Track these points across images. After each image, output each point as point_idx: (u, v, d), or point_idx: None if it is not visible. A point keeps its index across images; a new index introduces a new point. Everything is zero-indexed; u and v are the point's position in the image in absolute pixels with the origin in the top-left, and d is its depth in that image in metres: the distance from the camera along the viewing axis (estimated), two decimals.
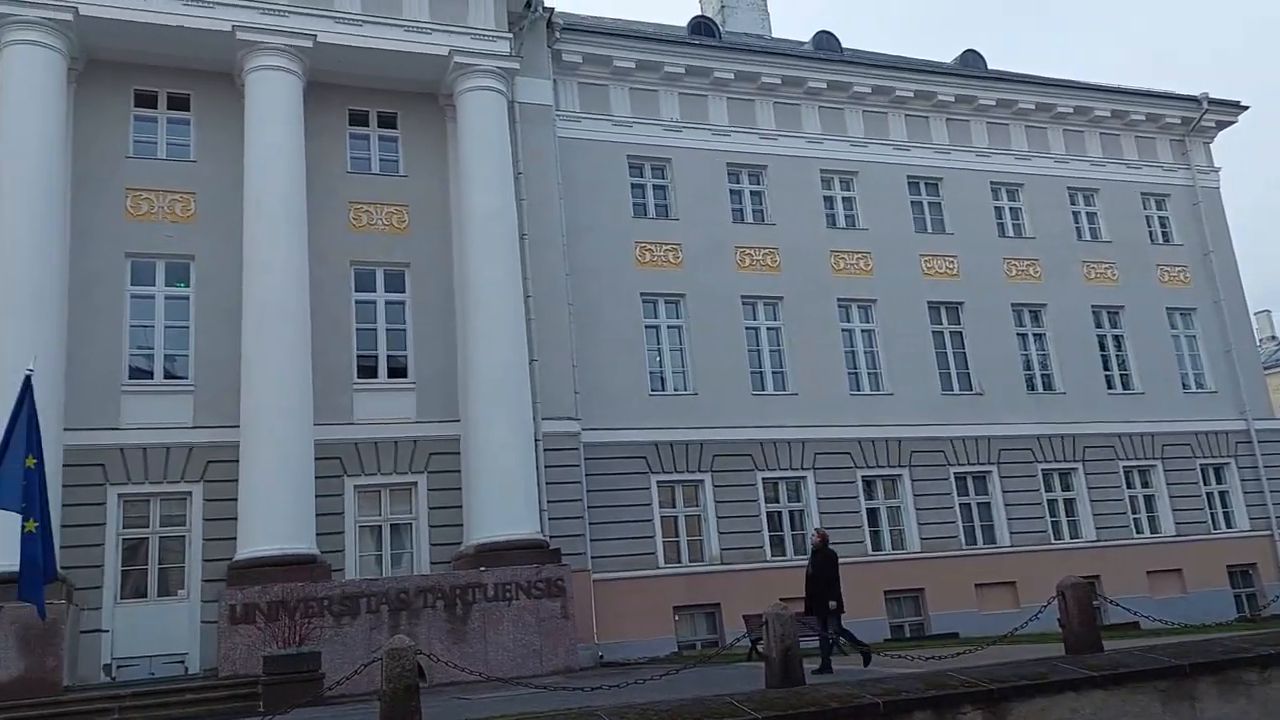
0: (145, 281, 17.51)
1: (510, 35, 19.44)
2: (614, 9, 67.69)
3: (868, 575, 20.61)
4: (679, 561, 20.06)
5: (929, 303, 23.49)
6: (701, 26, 24.21)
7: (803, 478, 21.35)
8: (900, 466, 22.14)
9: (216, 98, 18.31)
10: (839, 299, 22.67)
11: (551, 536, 17.85)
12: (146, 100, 18.20)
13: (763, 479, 21.03)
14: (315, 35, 17.82)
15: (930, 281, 23.67)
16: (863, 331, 22.89)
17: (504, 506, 17.13)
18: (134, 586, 16.24)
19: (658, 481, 20.23)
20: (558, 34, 20.89)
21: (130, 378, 16.96)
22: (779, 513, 21.16)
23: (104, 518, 16.06)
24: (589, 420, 19.58)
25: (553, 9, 20.55)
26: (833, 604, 13.21)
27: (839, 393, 22.09)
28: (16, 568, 11.16)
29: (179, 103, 18.38)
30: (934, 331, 23.44)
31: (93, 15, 16.60)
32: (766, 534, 20.78)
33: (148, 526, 16.53)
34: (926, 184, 24.56)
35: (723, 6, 27.27)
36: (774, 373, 21.90)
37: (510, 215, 18.80)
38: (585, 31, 21.57)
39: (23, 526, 10.82)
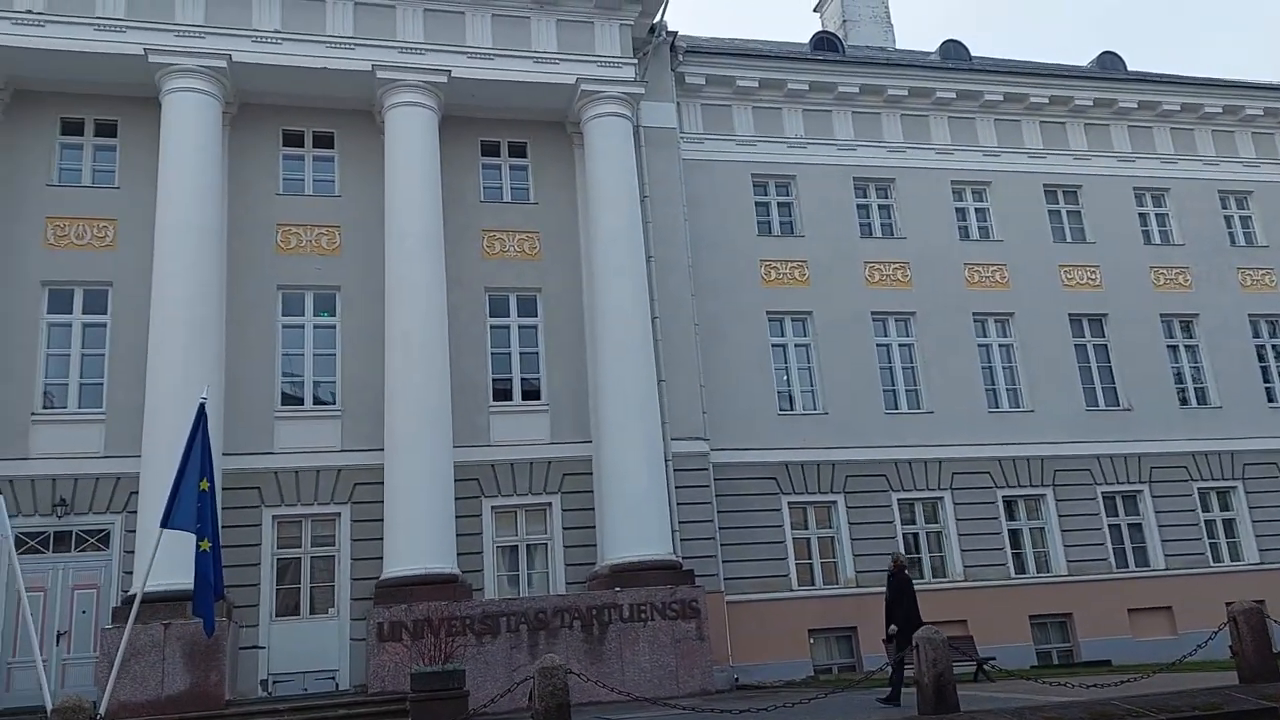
0: (295, 312, 18.35)
1: (635, 61, 19.72)
2: (734, 29, 67.96)
3: (1011, 599, 19.87)
4: (813, 584, 19.74)
5: (1070, 315, 22.59)
6: (824, 42, 24.03)
7: (940, 498, 20.76)
8: (1043, 486, 21.29)
9: (357, 135, 19.12)
10: (974, 313, 22.03)
11: (684, 558, 17.84)
12: (293, 139, 19.14)
13: (898, 500, 20.55)
14: (450, 71, 18.44)
15: (1071, 293, 22.76)
16: (1000, 346, 22.17)
17: (637, 527, 17.23)
18: (288, 604, 16.95)
19: (789, 503, 20.00)
20: (681, 57, 21.07)
21: (282, 404, 17.77)
22: (915, 534, 20.63)
23: (259, 538, 16.84)
24: (718, 440, 19.52)
25: (676, 33, 20.75)
26: (892, 628, 12.74)
27: (976, 410, 21.42)
28: (187, 586, 11.82)
29: (323, 140, 19.27)
30: (1076, 345, 22.52)
31: (245, 61, 17.59)
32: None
33: (300, 547, 17.26)
34: (1064, 192, 23.69)
35: (844, 21, 27.01)
36: (907, 390, 21.42)
37: (637, 237, 19.01)
38: (708, 53, 21.70)
39: (197, 546, 11.48)
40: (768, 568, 19.28)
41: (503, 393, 18.93)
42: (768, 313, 20.96)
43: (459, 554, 16.89)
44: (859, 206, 22.28)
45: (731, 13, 69.16)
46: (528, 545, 18.32)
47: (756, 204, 21.69)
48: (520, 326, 19.40)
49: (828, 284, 21.32)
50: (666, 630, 16.38)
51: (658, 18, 20.10)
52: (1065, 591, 20.62)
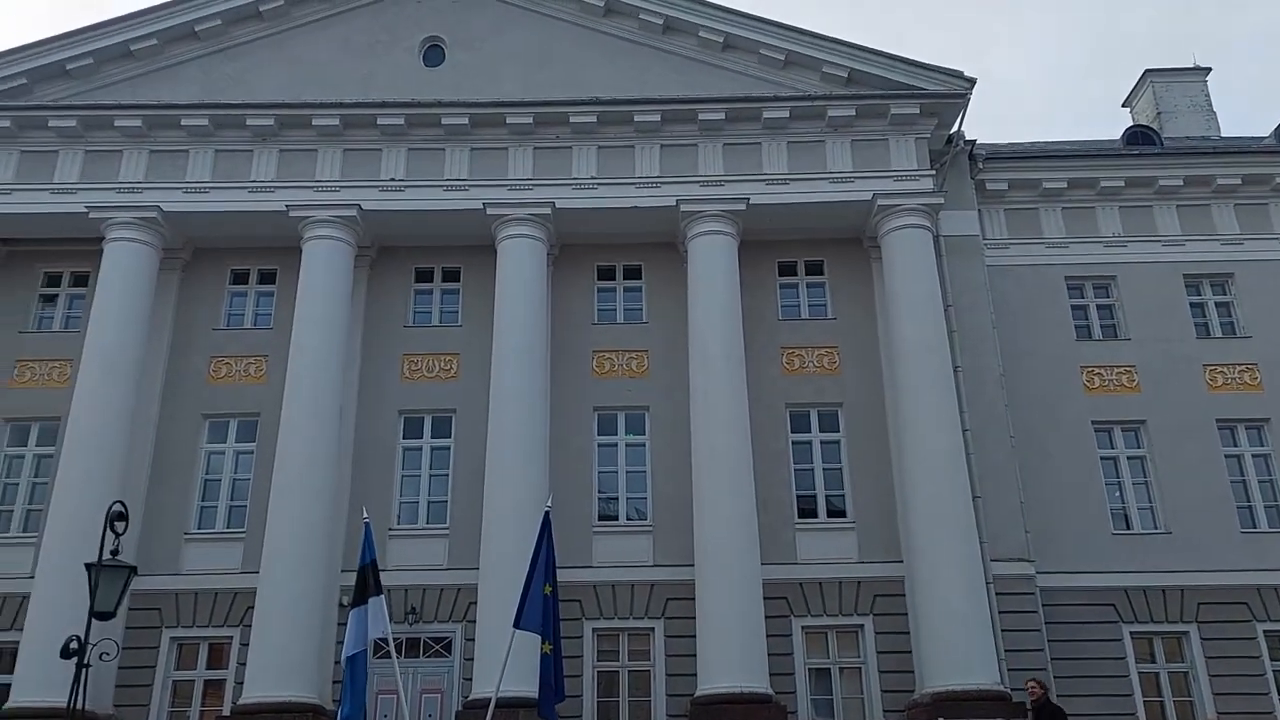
0: (609, 431, 19.40)
1: (933, 172, 19.63)
2: (1033, 133, 65.78)
3: None
4: None
5: None
6: (1138, 135, 22.70)
7: None
8: None
9: (662, 264, 20.28)
10: None
11: (1013, 689, 16.52)
12: (606, 273, 20.54)
13: (1264, 631, 17.98)
14: (748, 198, 19.26)
15: None
16: None
17: (958, 654, 16.26)
18: (607, 718, 17.38)
19: (1131, 633, 18.09)
20: (980, 165, 20.71)
21: (599, 519, 18.67)
22: None
23: (581, 650, 17.54)
24: (1044, 562, 18.17)
25: (974, 141, 20.48)
26: None
27: None
28: (525, 692, 12.55)
29: (632, 272, 20.57)
30: None
31: (566, 207, 19.30)
32: (1277, 697, 17.58)
33: (617, 660, 17.78)
34: None
35: (1159, 113, 25.41)
36: (1267, 506, 18.98)
37: (942, 348, 18.53)
38: (1009, 158, 21.18)
39: (541, 647, 12.25)
40: (1111, 704, 17.37)
41: (807, 510, 18.80)
42: (1093, 423, 19.50)
43: (771, 674, 16.67)
44: (1192, 305, 20.46)
45: (1028, 116, 67.18)
46: (840, 669, 17.76)
47: (1073, 307, 20.51)
48: (823, 442, 19.32)
49: (1162, 390, 19.58)
50: None
51: (954, 128, 19.99)
52: None
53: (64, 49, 19.69)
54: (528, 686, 12.76)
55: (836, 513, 18.81)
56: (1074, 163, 21.14)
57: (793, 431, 19.33)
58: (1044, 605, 17.81)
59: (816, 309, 20.39)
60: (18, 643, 16.77)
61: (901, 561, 17.99)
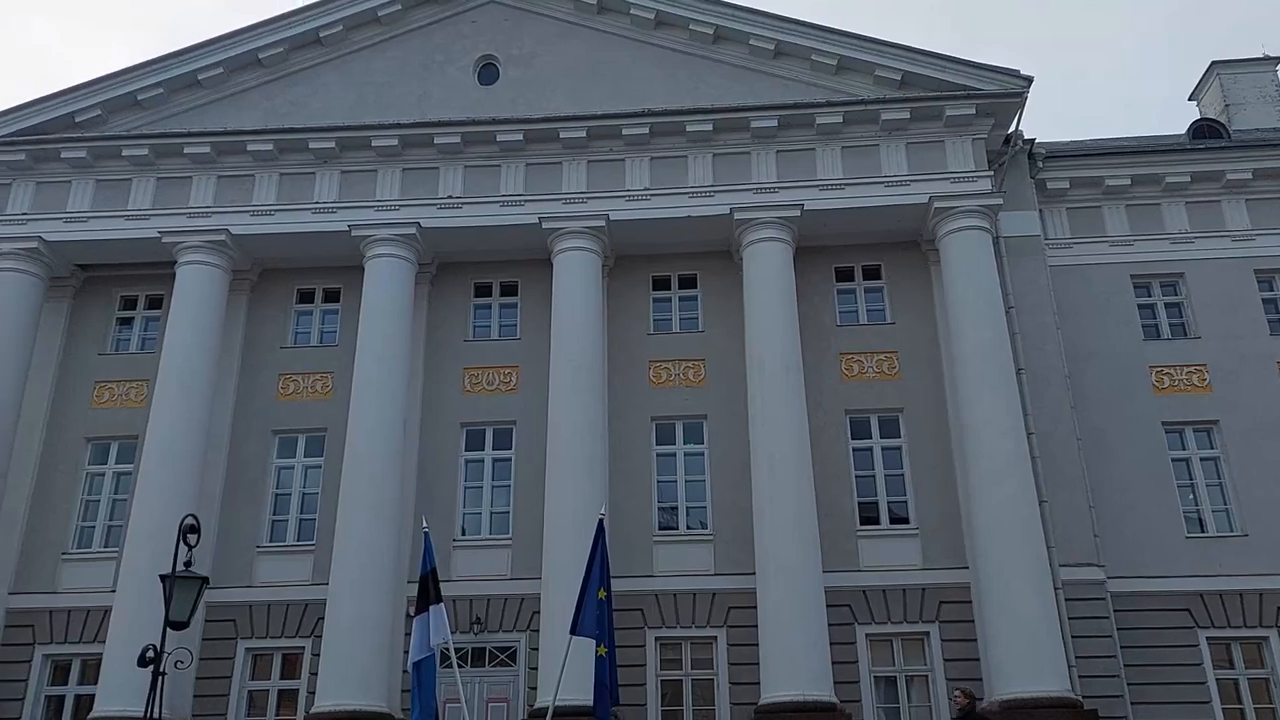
0: (667, 441, 19.47)
1: (991, 173, 19.40)
2: (1092, 130, 64.48)
3: None
4: None
5: None
6: (1205, 129, 22.17)
7: None
8: None
9: (717, 273, 20.30)
10: None
11: (1084, 696, 16.20)
12: (661, 283, 20.62)
13: None
14: (802, 204, 19.23)
15: None
16: None
17: (1027, 660, 15.99)
18: None
19: (1208, 638, 17.61)
20: (1040, 164, 20.39)
21: (660, 529, 18.75)
22: None
23: (644, 659, 17.62)
24: (1114, 567, 17.80)
25: (1033, 140, 20.18)
26: None
27: None
28: (585, 701, 12.77)
29: (687, 281, 20.64)
30: None
31: (620, 219, 19.46)
32: None
33: (680, 668, 17.82)
34: None
35: (1227, 106, 24.74)
36: None
37: (1004, 351, 18.27)
38: (1070, 156, 20.82)
39: (595, 651, 12.54)
40: (1190, 712, 16.92)
41: (869, 517, 18.66)
42: (1164, 424, 19.06)
43: (835, 682, 16.57)
44: (1265, 301, 19.90)
45: (1087, 113, 65.85)
46: (906, 676, 17.58)
47: (1139, 306, 20.10)
48: (883, 448, 19.17)
49: (1235, 389, 19.07)
50: None
51: (1012, 128, 19.74)
52: None
53: (136, 80, 20.44)
54: (584, 694, 12.98)
55: (899, 519, 18.64)
56: (1138, 159, 20.70)
57: (853, 438, 19.21)
58: (1115, 611, 17.44)
59: (875, 314, 20.25)
60: (101, 655, 17.40)
61: (967, 568, 17.76)
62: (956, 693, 12.85)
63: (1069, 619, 16.89)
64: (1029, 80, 19.22)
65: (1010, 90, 19.29)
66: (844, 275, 20.51)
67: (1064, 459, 18.17)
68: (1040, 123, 70.63)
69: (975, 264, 18.72)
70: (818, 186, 19.44)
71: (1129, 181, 20.45)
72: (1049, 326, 19.18)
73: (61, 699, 18.41)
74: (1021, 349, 18.71)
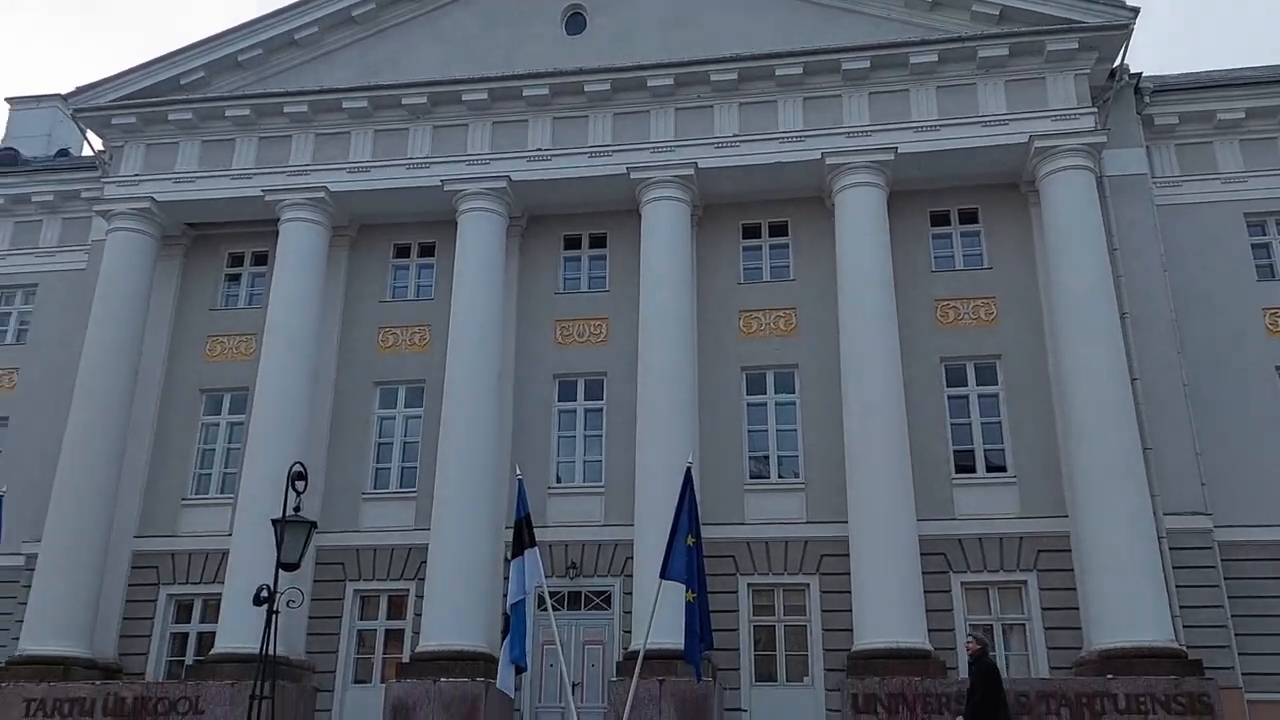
0: (757, 391, 19.48)
1: (1094, 110, 18.65)
2: (1204, 62, 61.02)
3: None
4: None
5: None
6: None
7: None
8: None
9: (809, 220, 20.04)
10: None
11: (1188, 646, 15.85)
12: (751, 231, 20.50)
13: None
14: (896, 147, 18.81)
15: None
16: None
17: (1128, 609, 15.69)
18: (765, 671, 17.69)
19: None
20: (1147, 99, 19.52)
21: (750, 477, 18.85)
22: None
23: (736, 605, 17.84)
24: (1222, 516, 17.26)
25: (1140, 73, 19.31)
26: None
27: None
28: (679, 645, 13.05)
29: (778, 229, 20.46)
30: None
31: (710, 167, 19.36)
32: None
33: (773, 615, 18.02)
34: None
35: None
36: None
37: (1107, 294, 17.71)
38: (1180, 90, 19.89)
39: (685, 597, 12.80)
40: None
41: (965, 465, 18.42)
42: (1277, 368, 18.30)
43: (930, 630, 16.55)
44: None
45: (1198, 44, 62.35)
46: (1003, 625, 17.45)
47: (1253, 246, 19.25)
48: (980, 396, 18.84)
49: None
50: None
51: (1117, 62, 18.90)
52: None
53: (236, 41, 21.01)
54: (679, 638, 13.26)
55: (996, 467, 18.36)
56: (1253, 90, 19.66)
57: (948, 385, 18.92)
58: (1223, 560, 16.98)
59: (972, 259, 19.79)
60: (220, 594, 18.40)
61: (1067, 516, 17.43)
62: (969, 639, 12.77)
63: (1174, 569, 16.51)
64: (1135, 11, 18.33)
65: (1115, 22, 18.43)
66: (939, 220, 20.04)
67: (1170, 405, 17.62)
68: (1147, 55, 67.25)
69: (1078, 205, 18.11)
70: (912, 128, 18.97)
71: (1243, 115, 19.47)
72: (1155, 269, 18.50)
73: (185, 635, 19.55)
74: (1126, 293, 18.12)
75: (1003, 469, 18.29)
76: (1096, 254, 17.87)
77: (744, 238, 20.48)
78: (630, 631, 17.07)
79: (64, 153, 25.69)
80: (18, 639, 18.50)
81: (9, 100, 27.59)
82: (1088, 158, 18.33)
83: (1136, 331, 17.90)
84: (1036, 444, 18.12)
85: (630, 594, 17.42)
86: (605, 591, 18.46)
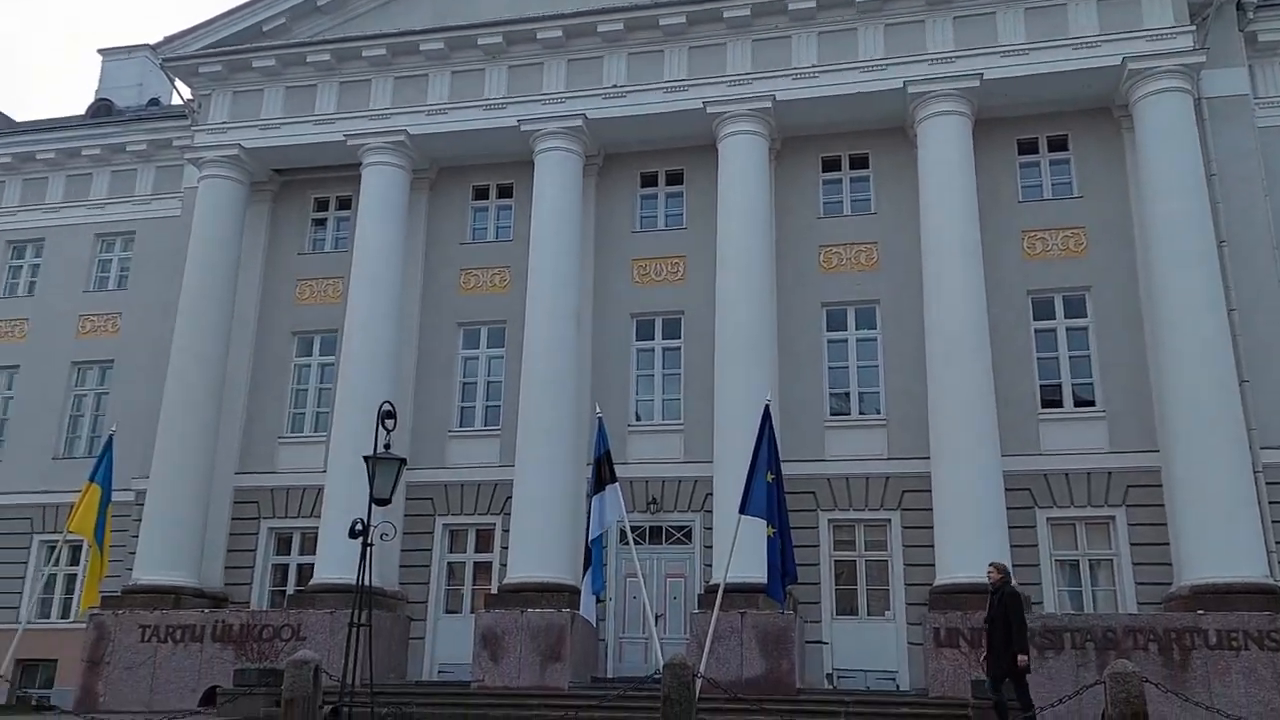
0: (838, 326, 19.32)
1: (1192, 28, 17.75)
2: None
3: None
4: None
5: None
6: None
7: None
8: None
9: (891, 152, 19.64)
10: None
11: None
12: (830, 164, 20.19)
13: None
14: (982, 74, 18.22)
15: None
16: None
17: (1220, 545, 15.37)
18: (846, 605, 17.84)
19: None
20: (1250, 14, 18.51)
21: (831, 414, 18.80)
22: None
23: (817, 540, 17.94)
24: None
25: None
26: (1023, 659, 11.17)
27: None
28: (760, 579, 13.26)
29: (858, 162, 20.09)
30: None
31: (787, 99, 19.01)
32: None
33: (854, 550, 18.11)
34: None
35: None
36: None
37: (1204, 222, 17.05)
38: None
39: (765, 532, 12.98)
40: None
41: (1052, 400, 18.09)
42: None
43: (1014, 565, 16.40)
44: None
45: None
46: (1090, 561, 17.25)
47: None
48: (1068, 329, 18.42)
49: None
50: (1267, 663, 14.38)
51: None
52: None
53: None
54: (760, 572, 13.47)
55: (1084, 402, 18.00)
56: None
57: (1035, 319, 18.52)
58: None
59: (1061, 188, 19.19)
60: (317, 528, 19.20)
61: (1158, 451, 17.03)
62: (990, 568, 12.54)
63: (1269, 503, 16.07)
64: None
65: None
66: (1027, 148, 19.43)
67: (1269, 337, 17.01)
68: None
69: (1174, 129, 17.37)
70: (998, 53, 18.34)
71: None
72: (1256, 194, 17.71)
73: (285, 567, 20.49)
74: (1224, 220, 17.42)
75: (1091, 403, 17.92)
76: (1193, 180, 17.18)
77: (823, 171, 20.17)
78: (711, 565, 17.34)
79: (155, 102, 26.44)
80: (130, 570, 19.61)
81: (101, 52, 28.40)
82: (1185, 79, 17.52)
83: (1234, 261, 17.24)
84: (1126, 378, 17.69)
85: (710, 529, 17.66)
86: (686, 526, 18.73)
